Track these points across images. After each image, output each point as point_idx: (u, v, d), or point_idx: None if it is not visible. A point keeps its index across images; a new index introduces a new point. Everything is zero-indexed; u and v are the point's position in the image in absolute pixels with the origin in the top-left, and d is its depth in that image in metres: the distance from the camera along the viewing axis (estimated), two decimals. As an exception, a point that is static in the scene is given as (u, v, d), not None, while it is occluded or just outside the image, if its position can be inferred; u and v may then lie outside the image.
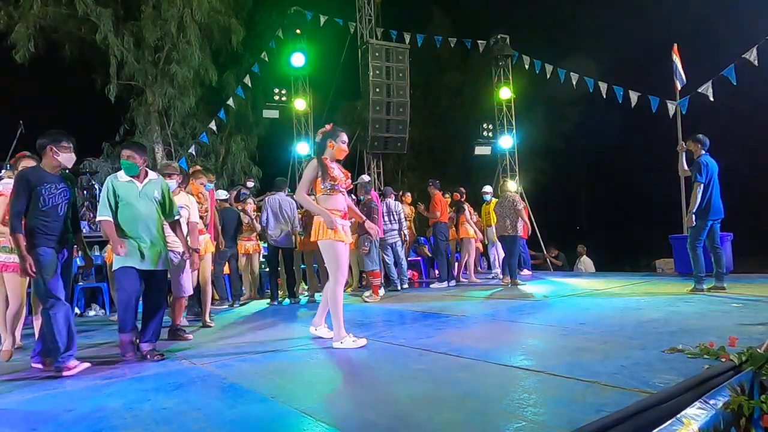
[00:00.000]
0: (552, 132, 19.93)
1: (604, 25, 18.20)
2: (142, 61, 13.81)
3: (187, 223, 4.81)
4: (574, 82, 11.48)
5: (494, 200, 8.53)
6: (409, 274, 9.45)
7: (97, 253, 7.30)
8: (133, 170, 3.84)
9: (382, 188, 9.74)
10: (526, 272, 9.14)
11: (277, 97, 12.28)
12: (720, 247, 5.66)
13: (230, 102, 12.54)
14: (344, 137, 4.03)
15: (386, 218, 7.64)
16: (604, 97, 10.93)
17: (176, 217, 4.10)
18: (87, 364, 3.50)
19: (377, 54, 11.33)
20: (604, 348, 3.23)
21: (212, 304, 6.96)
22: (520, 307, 5.46)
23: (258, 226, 7.38)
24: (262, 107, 12.99)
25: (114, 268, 3.82)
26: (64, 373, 3.37)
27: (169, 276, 4.34)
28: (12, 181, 3.88)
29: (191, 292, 4.98)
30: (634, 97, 10.39)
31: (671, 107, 9.33)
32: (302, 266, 7.79)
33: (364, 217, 4.61)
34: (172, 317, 4.82)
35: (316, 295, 7.41)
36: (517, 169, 13.71)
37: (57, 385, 3.20)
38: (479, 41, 13.41)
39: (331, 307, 3.91)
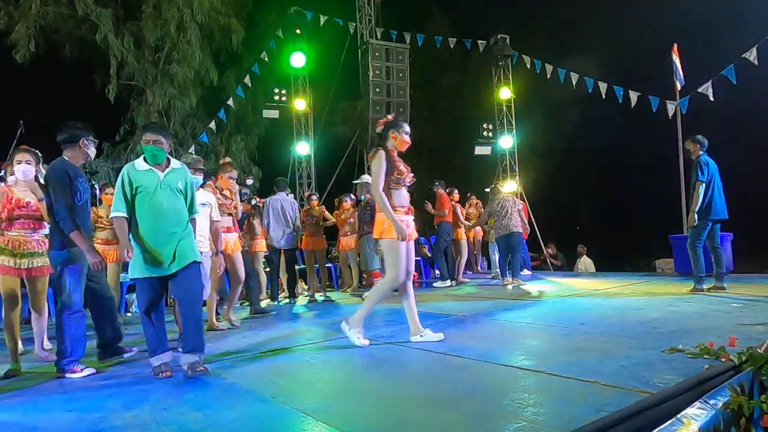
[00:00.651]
0: (552, 132, 19.93)
1: (603, 25, 18.20)
2: (143, 61, 13.82)
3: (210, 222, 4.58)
4: (574, 82, 11.48)
5: None
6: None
7: None
8: (161, 156, 3.30)
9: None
10: (526, 272, 9.15)
11: (277, 97, 12.29)
12: (720, 247, 5.66)
13: (230, 102, 12.55)
14: (407, 128, 3.83)
15: None
16: (604, 97, 10.94)
17: (195, 215, 3.58)
18: (92, 370, 3.44)
19: (377, 54, 11.34)
20: (604, 348, 3.23)
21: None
22: (520, 307, 5.46)
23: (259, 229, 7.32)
24: (262, 107, 13.01)
25: (130, 276, 3.30)
26: (68, 375, 3.35)
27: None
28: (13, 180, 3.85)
29: (206, 297, 4.60)
30: (634, 97, 10.39)
31: (671, 107, 9.33)
32: (302, 266, 7.80)
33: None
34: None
35: (317, 294, 7.42)
36: (517, 169, 13.71)
37: (57, 386, 3.20)
38: (479, 41, 13.42)
39: (370, 297, 3.76)
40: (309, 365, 3.43)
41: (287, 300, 7.13)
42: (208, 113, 14.53)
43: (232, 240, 5.20)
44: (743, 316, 4.00)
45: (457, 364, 3.15)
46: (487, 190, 8.76)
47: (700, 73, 9.16)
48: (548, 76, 12.08)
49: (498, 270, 8.41)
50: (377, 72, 11.30)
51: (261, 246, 6.51)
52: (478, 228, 9.68)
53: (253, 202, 6.85)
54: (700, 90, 9.03)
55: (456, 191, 8.73)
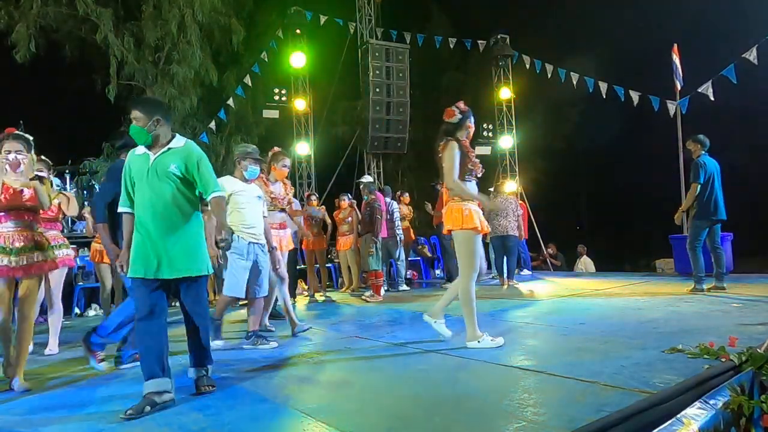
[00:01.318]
0: (552, 132, 19.91)
1: (604, 25, 18.19)
2: (143, 61, 13.82)
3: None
4: (575, 82, 11.48)
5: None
6: (409, 274, 9.45)
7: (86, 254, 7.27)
8: (141, 137, 2.77)
9: (381, 188, 9.73)
10: (526, 272, 9.15)
11: (277, 97, 12.27)
12: (720, 247, 5.65)
13: (230, 102, 12.55)
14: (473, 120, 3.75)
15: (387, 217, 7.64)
16: (604, 97, 10.93)
17: (215, 195, 2.88)
18: (107, 365, 3.53)
19: (377, 54, 11.33)
20: (604, 348, 3.23)
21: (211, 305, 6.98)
22: (520, 307, 5.46)
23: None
24: (262, 107, 12.99)
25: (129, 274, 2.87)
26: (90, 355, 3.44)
27: (223, 275, 3.95)
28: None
29: (264, 294, 4.25)
30: (634, 97, 10.38)
31: (671, 107, 9.32)
32: (302, 266, 7.79)
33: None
34: (248, 321, 4.18)
35: (317, 294, 7.42)
36: (517, 169, 13.71)
37: (57, 386, 3.20)
38: (479, 41, 13.41)
39: (464, 305, 3.53)
40: (309, 366, 3.43)
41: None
42: (208, 113, 14.52)
43: (285, 237, 4.83)
44: (743, 316, 4.00)
45: (457, 364, 3.15)
46: (491, 189, 8.72)
47: (700, 73, 9.16)
48: (548, 76, 12.08)
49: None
50: (377, 72, 11.29)
51: None
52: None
53: None
54: (700, 90, 9.02)
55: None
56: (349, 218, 7.79)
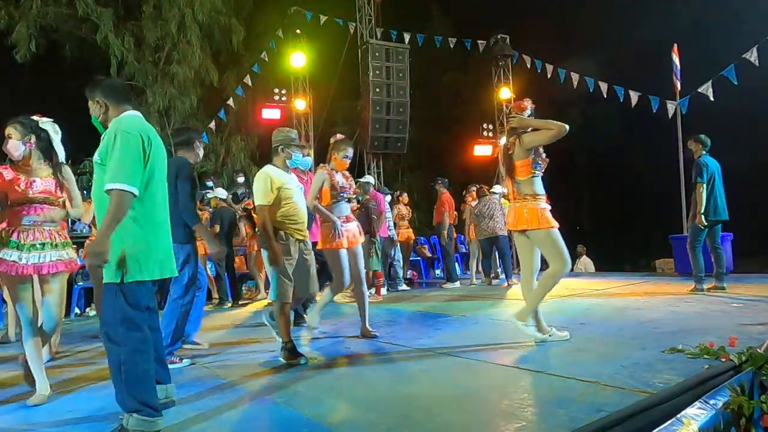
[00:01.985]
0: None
1: (604, 25, 18.19)
2: (143, 61, 13.83)
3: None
4: (575, 83, 11.48)
5: (504, 201, 8.45)
6: (409, 274, 9.44)
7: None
8: (97, 126, 2.48)
9: (379, 187, 9.72)
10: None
11: (277, 97, 12.28)
12: (720, 247, 5.65)
13: (230, 102, 12.55)
14: None
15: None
16: (605, 97, 10.93)
17: (110, 187, 2.20)
18: (188, 361, 3.54)
19: (377, 54, 11.33)
20: (604, 348, 3.23)
21: (211, 304, 6.98)
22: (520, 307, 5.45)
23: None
24: (262, 107, 13.00)
25: None
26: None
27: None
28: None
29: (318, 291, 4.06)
30: (634, 97, 10.38)
31: (671, 107, 9.32)
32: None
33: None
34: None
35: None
36: (517, 169, 13.68)
37: (57, 386, 3.20)
38: (479, 41, 13.41)
39: (541, 287, 3.57)
40: (309, 366, 3.43)
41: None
42: (208, 113, 14.52)
43: (352, 231, 4.30)
44: (743, 316, 4.00)
45: (457, 364, 3.15)
46: (473, 189, 8.46)
47: (700, 73, 9.16)
48: (548, 76, 12.08)
49: (498, 270, 8.41)
50: (377, 72, 11.29)
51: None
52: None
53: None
54: (700, 90, 9.02)
55: (474, 188, 8.42)
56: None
